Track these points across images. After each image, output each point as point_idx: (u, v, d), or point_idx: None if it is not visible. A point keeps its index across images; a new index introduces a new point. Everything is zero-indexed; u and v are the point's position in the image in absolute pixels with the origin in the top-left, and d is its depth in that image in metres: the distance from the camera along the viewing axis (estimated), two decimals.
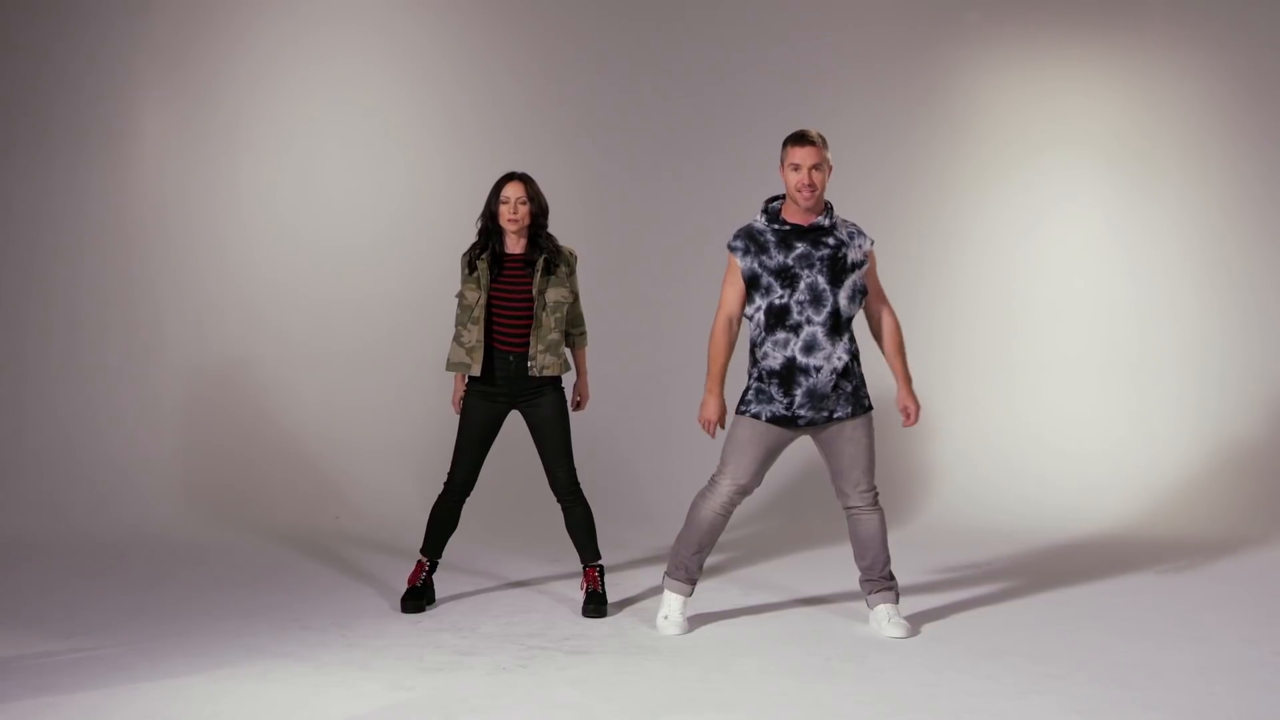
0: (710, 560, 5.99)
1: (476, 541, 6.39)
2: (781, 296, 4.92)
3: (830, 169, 4.97)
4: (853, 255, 4.97)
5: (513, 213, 5.25)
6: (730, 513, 5.07)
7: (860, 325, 5.26)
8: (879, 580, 5.08)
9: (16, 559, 6.16)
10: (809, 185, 4.88)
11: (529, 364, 5.28)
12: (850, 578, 5.41)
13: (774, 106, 7.65)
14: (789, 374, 4.91)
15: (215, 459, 7.24)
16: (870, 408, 5.06)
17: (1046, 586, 5.81)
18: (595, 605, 5.30)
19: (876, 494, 5.06)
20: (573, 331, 5.47)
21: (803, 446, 5.78)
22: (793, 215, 4.98)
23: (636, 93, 7.74)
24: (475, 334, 5.27)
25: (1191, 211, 7.72)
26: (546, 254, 5.30)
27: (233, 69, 7.47)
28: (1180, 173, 7.72)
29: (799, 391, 4.91)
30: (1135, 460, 7.51)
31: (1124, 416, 7.64)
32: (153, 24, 7.39)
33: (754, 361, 5.01)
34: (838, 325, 4.93)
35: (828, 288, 4.91)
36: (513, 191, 5.27)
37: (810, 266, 4.92)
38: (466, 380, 5.39)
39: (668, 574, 5.14)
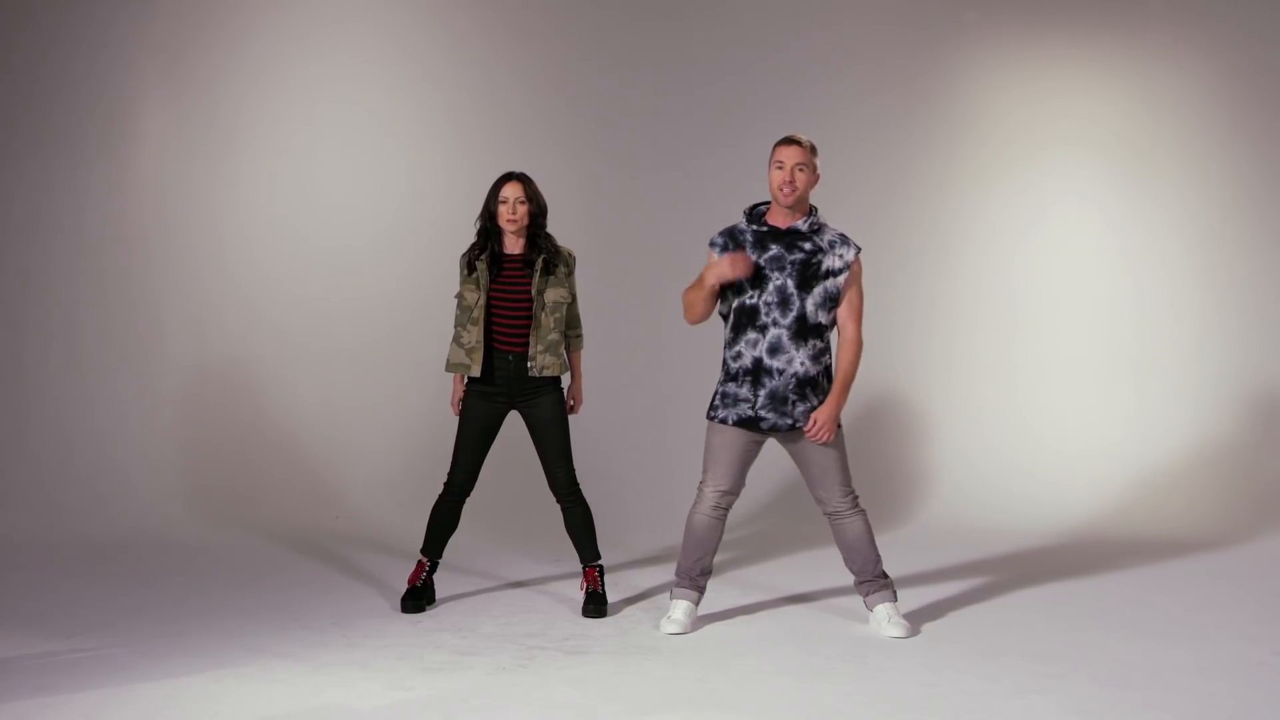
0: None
1: (477, 541, 6.39)
2: (751, 296, 4.95)
3: (817, 177, 4.99)
4: (829, 263, 4.95)
5: (511, 213, 5.26)
6: (721, 517, 5.07)
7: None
8: (873, 581, 5.07)
9: (16, 559, 6.16)
10: (790, 183, 4.90)
11: (529, 364, 5.28)
12: (849, 577, 5.41)
13: (774, 106, 7.66)
14: (756, 374, 4.94)
15: (215, 459, 7.24)
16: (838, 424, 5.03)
17: (1046, 586, 5.81)
18: (595, 605, 5.30)
19: (855, 498, 5.06)
20: (569, 334, 5.45)
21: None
22: (774, 218, 5.01)
23: (637, 92, 7.73)
24: (475, 334, 5.27)
25: (1191, 211, 7.72)
26: (545, 254, 5.30)
27: (233, 69, 7.47)
28: (1180, 173, 7.72)
29: (762, 392, 4.93)
30: (1135, 460, 7.51)
31: (1123, 416, 7.63)
32: (153, 24, 7.38)
33: (724, 364, 5.03)
34: (803, 330, 4.92)
35: (795, 292, 4.91)
36: (511, 191, 5.27)
37: (781, 269, 4.92)
38: (465, 381, 5.39)
39: (675, 586, 5.15)
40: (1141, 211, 7.74)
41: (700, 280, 4.98)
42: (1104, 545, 6.70)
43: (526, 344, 5.28)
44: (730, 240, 5.02)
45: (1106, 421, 7.63)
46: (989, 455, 7.56)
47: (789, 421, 4.94)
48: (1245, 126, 7.67)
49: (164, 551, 6.38)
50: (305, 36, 7.53)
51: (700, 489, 5.07)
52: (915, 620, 5.15)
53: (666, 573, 5.86)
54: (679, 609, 5.08)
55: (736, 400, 4.96)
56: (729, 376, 5.00)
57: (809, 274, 4.93)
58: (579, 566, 5.66)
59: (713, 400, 5.07)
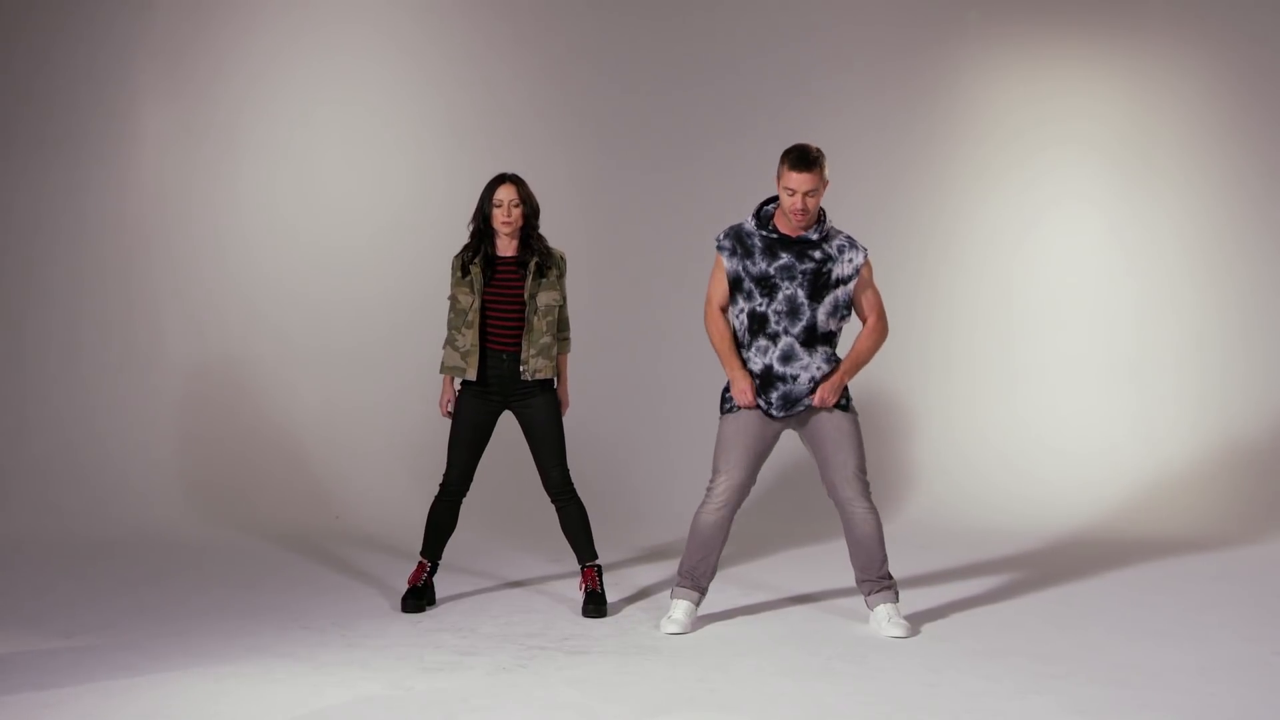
0: None
1: (476, 541, 6.39)
2: (761, 305, 4.95)
3: (827, 185, 4.94)
4: (839, 271, 4.95)
5: (506, 215, 5.26)
6: (729, 517, 5.05)
7: (849, 332, 5.23)
8: (876, 581, 5.06)
9: (16, 559, 6.16)
10: (801, 211, 4.86)
11: (521, 368, 5.28)
12: (850, 577, 5.41)
13: (774, 106, 7.66)
14: (767, 379, 4.96)
15: (215, 459, 7.24)
16: (848, 408, 5.04)
17: (1046, 586, 5.81)
18: (595, 605, 5.30)
19: (868, 487, 5.02)
20: (558, 336, 5.43)
21: (796, 446, 5.77)
22: (783, 223, 4.98)
23: (636, 92, 7.73)
24: (470, 338, 5.27)
25: (1191, 211, 7.72)
26: (538, 256, 5.30)
27: (233, 69, 7.47)
28: (1180, 172, 7.72)
29: (775, 395, 4.95)
30: (1135, 460, 7.51)
31: (1124, 416, 7.64)
32: (153, 24, 7.38)
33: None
34: (813, 339, 4.94)
35: (806, 302, 4.91)
36: (505, 194, 5.28)
37: (792, 279, 4.92)
38: (458, 384, 5.39)
39: (677, 585, 5.13)
40: (1141, 211, 7.74)
41: (723, 361, 5.02)
42: (1104, 546, 6.70)
43: (519, 346, 5.28)
44: (737, 243, 4.99)
45: (1106, 422, 7.63)
46: (989, 456, 7.56)
47: (800, 408, 4.96)
48: (1245, 127, 7.67)
49: (164, 551, 6.38)
50: (305, 36, 7.53)
51: (710, 487, 5.04)
52: (915, 620, 5.15)
53: (667, 571, 5.86)
54: (680, 609, 5.08)
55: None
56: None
57: (820, 284, 4.93)
58: (578, 566, 5.66)
59: (724, 394, 5.06)
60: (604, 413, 7.31)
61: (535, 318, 5.28)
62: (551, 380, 5.40)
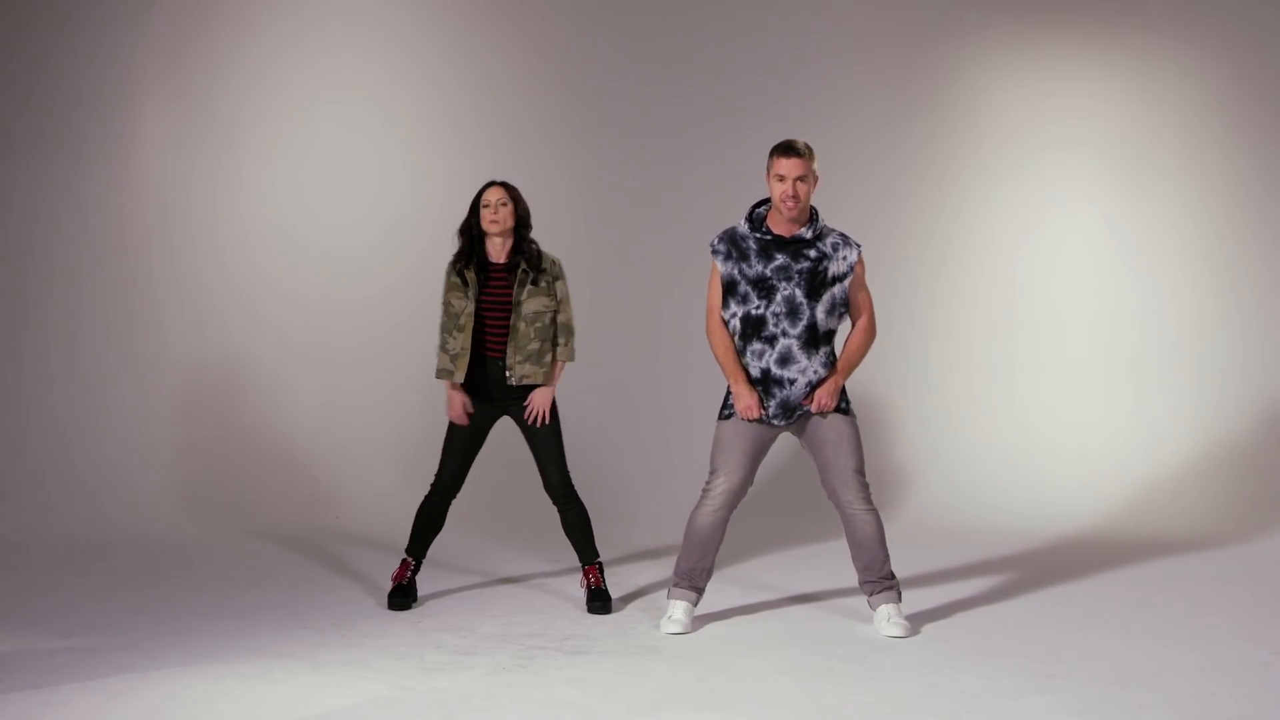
0: None
1: (476, 541, 6.39)
2: (758, 307, 4.94)
3: (817, 180, 4.95)
4: (835, 268, 4.95)
5: (494, 214, 5.27)
6: (726, 518, 5.05)
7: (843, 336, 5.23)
8: (878, 581, 5.06)
9: (15, 559, 6.16)
10: (793, 197, 4.86)
11: (506, 373, 5.28)
12: (849, 577, 5.41)
13: (774, 106, 7.66)
14: (764, 384, 4.95)
15: (214, 459, 7.24)
16: (847, 411, 5.03)
17: (1046, 586, 5.81)
18: (600, 602, 5.31)
19: (868, 491, 5.02)
20: (555, 343, 5.40)
21: (794, 446, 5.77)
22: (777, 224, 4.97)
23: (636, 92, 7.73)
24: (461, 341, 5.28)
25: (1191, 211, 7.72)
26: (526, 259, 5.28)
27: (233, 69, 7.47)
28: (1180, 172, 7.72)
29: (773, 402, 4.95)
30: (1135, 459, 7.51)
31: (1124, 416, 7.64)
32: (153, 24, 7.38)
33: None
34: (814, 339, 4.93)
35: (805, 301, 4.91)
36: (493, 195, 5.30)
37: (789, 279, 4.91)
38: (457, 387, 5.38)
39: (674, 586, 5.13)
40: (1142, 211, 7.75)
41: (725, 372, 4.99)
42: (1104, 545, 6.70)
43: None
44: (732, 246, 4.99)
45: (1106, 422, 7.63)
46: (989, 456, 7.56)
47: (798, 415, 4.96)
48: (1245, 126, 7.67)
49: (164, 551, 6.38)
50: (305, 36, 7.53)
51: (706, 488, 5.04)
52: (915, 620, 5.14)
53: (666, 571, 5.84)
54: (678, 609, 5.07)
55: None
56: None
57: (817, 282, 4.92)
58: (578, 564, 5.66)
59: (725, 400, 5.07)
60: (604, 413, 7.31)
61: (521, 323, 5.28)
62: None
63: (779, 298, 4.91)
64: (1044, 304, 7.77)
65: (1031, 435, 7.62)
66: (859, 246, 5.02)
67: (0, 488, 6.90)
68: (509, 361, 5.27)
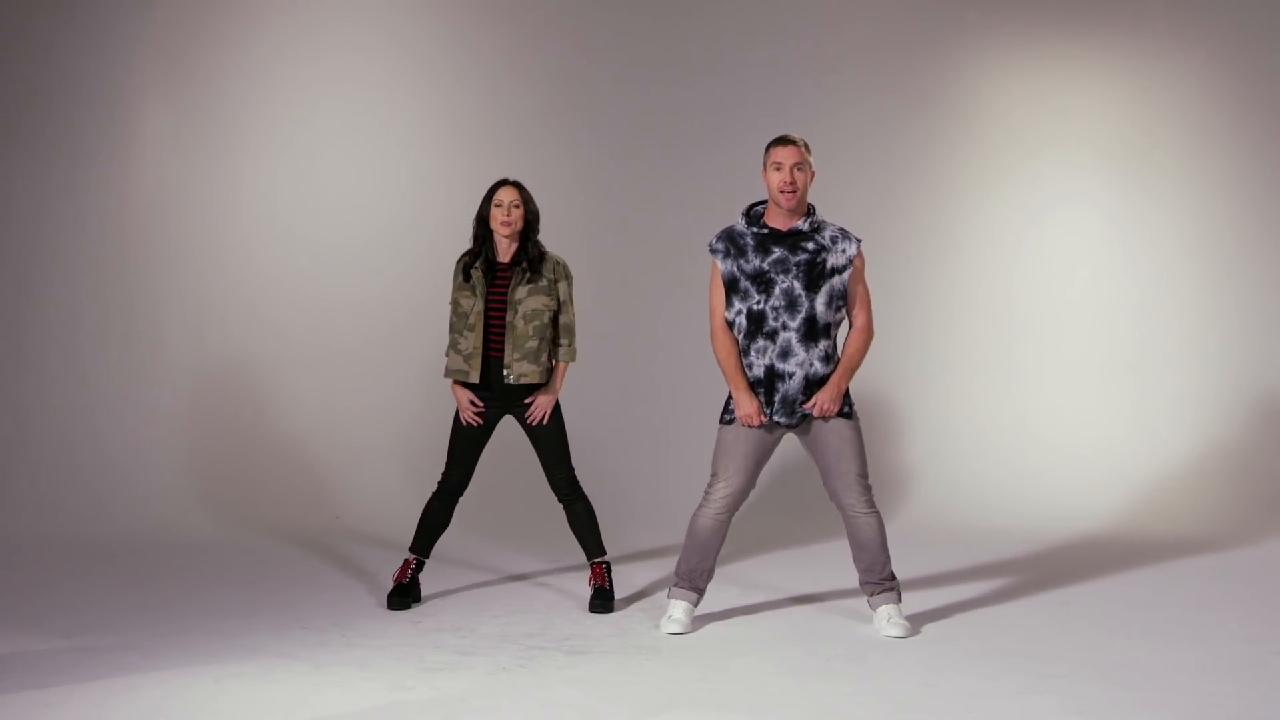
0: None
1: (477, 540, 6.39)
2: (758, 302, 4.93)
3: (813, 174, 4.96)
4: (833, 260, 4.94)
5: (506, 216, 5.27)
6: (728, 520, 5.06)
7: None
8: (879, 583, 5.06)
9: (16, 559, 6.16)
10: (791, 184, 4.87)
11: (504, 371, 5.28)
12: (849, 577, 5.41)
13: (774, 106, 7.66)
14: (770, 381, 4.94)
15: (214, 458, 7.24)
16: (849, 414, 5.03)
17: (1046, 586, 5.81)
18: (603, 601, 5.32)
19: (870, 493, 5.02)
20: (557, 343, 5.41)
21: (795, 445, 5.78)
22: (774, 219, 4.97)
23: (636, 92, 7.74)
24: (473, 340, 5.28)
25: (1191, 211, 7.72)
26: (528, 260, 5.29)
27: (233, 68, 7.47)
28: (1180, 172, 7.72)
29: (776, 398, 4.94)
30: (1135, 459, 7.51)
31: (1124, 416, 7.64)
32: (153, 23, 7.39)
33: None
34: (813, 331, 4.92)
35: (803, 293, 4.90)
36: (506, 196, 5.29)
37: (786, 271, 4.91)
38: (463, 387, 5.38)
39: (674, 586, 5.13)
40: (1142, 211, 7.75)
41: (727, 378, 4.99)
42: (1104, 546, 6.70)
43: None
44: (730, 244, 4.99)
45: (1106, 422, 7.63)
46: (989, 456, 7.56)
47: (799, 415, 4.96)
48: (1245, 126, 7.67)
49: (164, 551, 6.38)
50: (305, 36, 7.54)
51: (709, 490, 5.04)
52: (916, 620, 5.14)
53: (667, 571, 5.85)
54: (679, 609, 5.08)
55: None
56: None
57: (815, 274, 4.92)
58: (580, 564, 5.67)
59: (726, 404, 5.07)
60: (604, 412, 7.31)
61: (519, 321, 5.28)
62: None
63: (777, 290, 4.91)
64: (1044, 304, 7.77)
65: (1031, 435, 7.62)
66: (859, 240, 5.02)
67: (1, 487, 6.90)
68: (506, 359, 5.27)
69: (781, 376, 4.92)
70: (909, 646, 4.87)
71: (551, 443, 5.38)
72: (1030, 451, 7.57)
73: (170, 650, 4.67)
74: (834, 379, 4.97)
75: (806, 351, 4.92)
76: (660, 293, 7.63)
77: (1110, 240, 7.76)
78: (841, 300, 4.99)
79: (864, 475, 5.00)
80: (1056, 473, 7.47)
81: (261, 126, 7.50)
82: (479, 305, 5.28)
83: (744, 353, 4.99)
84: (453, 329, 5.35)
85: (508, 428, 5.60)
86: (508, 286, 5.31)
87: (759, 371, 4.95)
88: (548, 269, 5.34)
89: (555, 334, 5.39)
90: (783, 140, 4.95)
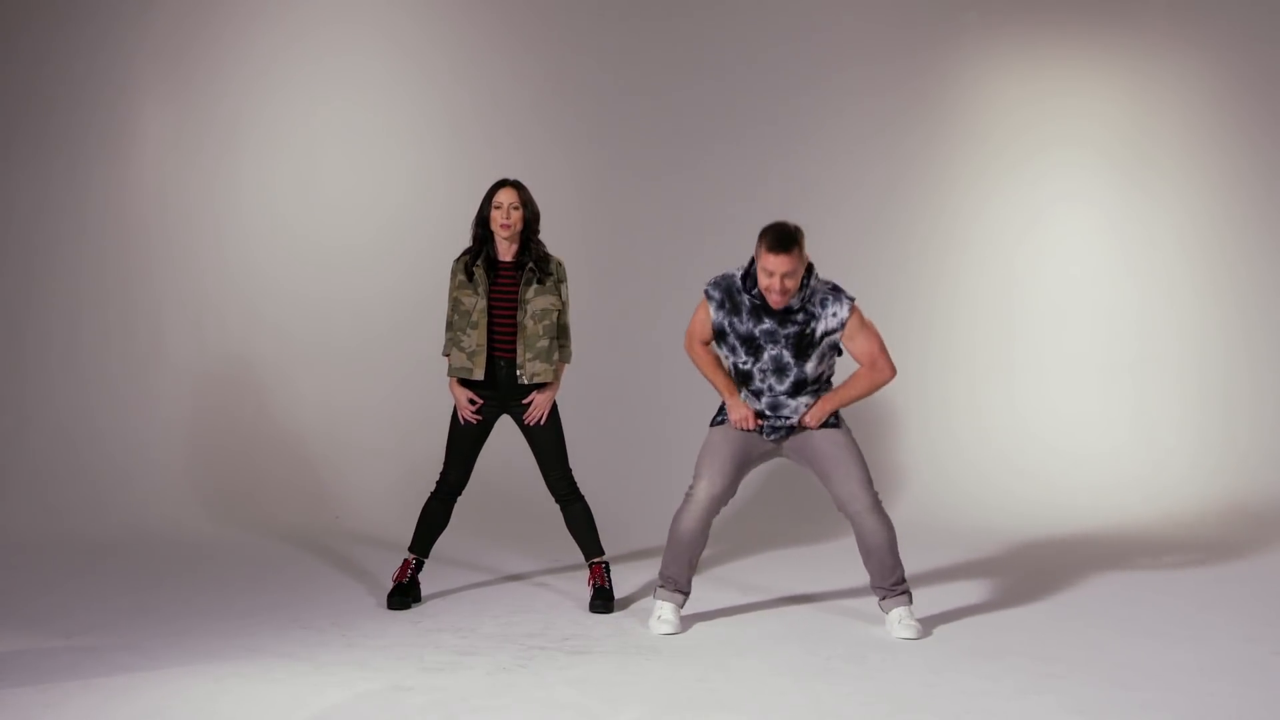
0: (708, 557, 5.99)
1: (477, 540, 6.39)
2: (745, 362, 4.96)
3: (805, 261, 4.82)
4: (823, 326, 4.91)
5: (505, 218, 5.27)
6: (709, 523, 5.04)
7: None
8: (890, 588, 5.03)
9: (16, 558, 6.16)
10: (780, 293, 4.80)
11: (518, 371, 5.29)
12: (850, 576, 5.42)
13: (774, 107, 7.66)
14: (760, 415, 5.00)
15: (215, 458, 7.24)
16: (838, 424, 5.03)
17: (1046, 586, 5.81)
18: (603, 601, 5.32)
19: (877, 498, 5.00)
20: (558, 342, 5.41)
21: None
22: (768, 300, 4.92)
23: (636, 93, 7.73)
24: (476, 338, 5.28)
25: (1191, 211, 7.72)
26: (534, 260, 5.29)
27: (233, 68, 7.46)
28: (1180, 172, 7.73)
29: (764, 425, 5.00)
30: (1135, 460, 7.51)
31: (1124, 416, 7.64)
32: (153, 24, 7.38)
33: None
34: (802, 388, 4.95)
35: (792, 361, 4.92)
36: (505, 197, 5.29)
37: (775, 342, 4.92)
38: (462, 385, 5.38)
39: (659, 587, 5.13)
40: (1141, 211, 7.75)
41: (716, 385, 5.02)
42: (1104, 545, 6.70)
43: (516, 351, 5.29)
44: (726, 297, 4.96)
45: (1106, 422, 7.63)
46: (989, 456, 7.56)
47: (786, 429, 5.00)
48: (1245, 127, 7.68)
49: (164, 551, 6.37)
50: (305, 36, 7.53)
51: (690, 493, 5.04)
52: (920, 621, 5.14)
53: None
54: (667, 609, 5.07)
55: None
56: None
57: (804, 344, 4.92)
58: (579, 564, 5.67)
59: (720, 407, 5.08)
60: (602, 413, 7.31)
61: (529, 321, 5.28)
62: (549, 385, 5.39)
63: (766, 357, 4.93)
64: (1044, 304, 7.76)
65: (1031, 435, 7.62)
66: (851, 300, 4.93)
67: (1, 487, 6.89)
68: (520, 360, 5.28)
69: (770, 419, 4.99)
70: (909, 646, 4.87)
71: (549, 443, 5.38)
72: (1030, 451, 7.56)
73: (170, 650, 4.67)
74: (824, 399, 4.99)
75: (797, 400, 4.96)
76: (659, 292, 7.62)
77: (1110, 240, 7.76)
78: (833, 351, 5.00)
79: (868, 481, 4.99)
80: (1056, 473, 7.47)
81: (262, 126, 7.49)
82: (481, 303, 5.28)
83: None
84: (453, 327, 5.35)
85: (507, 428, 5.59)
86: (512, 285, 5.30)
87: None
88: (552, 268, 5.34)
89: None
90: (776, 245, 4.77)
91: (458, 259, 5.38)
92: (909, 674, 4.51)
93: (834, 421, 5.03)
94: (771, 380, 4.93)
